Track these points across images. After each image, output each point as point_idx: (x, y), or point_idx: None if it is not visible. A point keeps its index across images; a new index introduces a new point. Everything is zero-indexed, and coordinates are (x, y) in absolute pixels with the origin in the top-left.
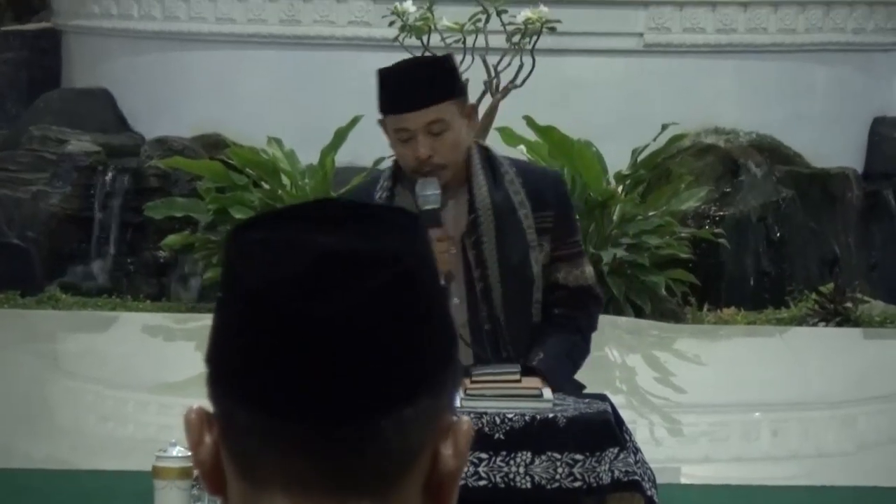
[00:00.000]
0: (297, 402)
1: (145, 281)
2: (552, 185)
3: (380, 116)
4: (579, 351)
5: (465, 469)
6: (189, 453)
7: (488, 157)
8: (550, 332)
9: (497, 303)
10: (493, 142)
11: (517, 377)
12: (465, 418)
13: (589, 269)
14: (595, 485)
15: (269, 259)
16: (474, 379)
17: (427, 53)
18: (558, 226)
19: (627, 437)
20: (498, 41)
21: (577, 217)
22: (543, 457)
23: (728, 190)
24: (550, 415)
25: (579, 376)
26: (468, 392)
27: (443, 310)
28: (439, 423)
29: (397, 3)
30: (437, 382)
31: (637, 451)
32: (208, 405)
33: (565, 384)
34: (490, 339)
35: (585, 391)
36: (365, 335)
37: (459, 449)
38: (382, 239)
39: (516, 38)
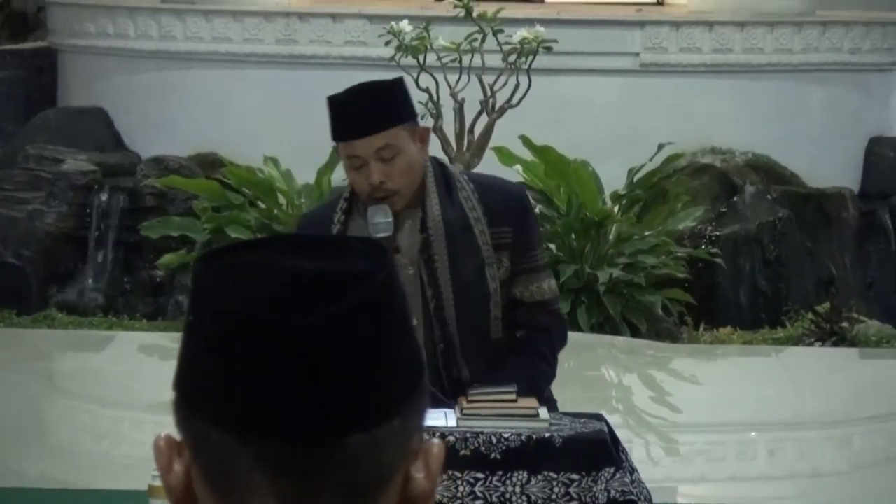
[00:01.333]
0: (271, 420)
1: (141, 300)
2: (511, 200)
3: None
4: (541, 375)
5: (462, 488)
6: None
7: (444, 175)
8: (511, 359)
9: (451, 321)
10: (489, 161)
11: (513, 397)
12: (437, 440)
13: (548, 284)
14: None
15: (242, 279)
16: (470, 399)
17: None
18: (517, 241)
19: (623, 457)
20: (494, 61)
21: (540, 232)
22: (539, 476)
23: (724, 209)
24: (546, 434)
25: (569, 395)
26: (464, 412)
27: (412, 333)
28: (411, 445)
29: (394, 23)
30: (408, 403)
31: (633, 470)
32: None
33: None
34: (444, 357)
35: (581, 411)
36: (339, 351)
37: (431, 471)
38: (352, 261)
39: (512, 58)
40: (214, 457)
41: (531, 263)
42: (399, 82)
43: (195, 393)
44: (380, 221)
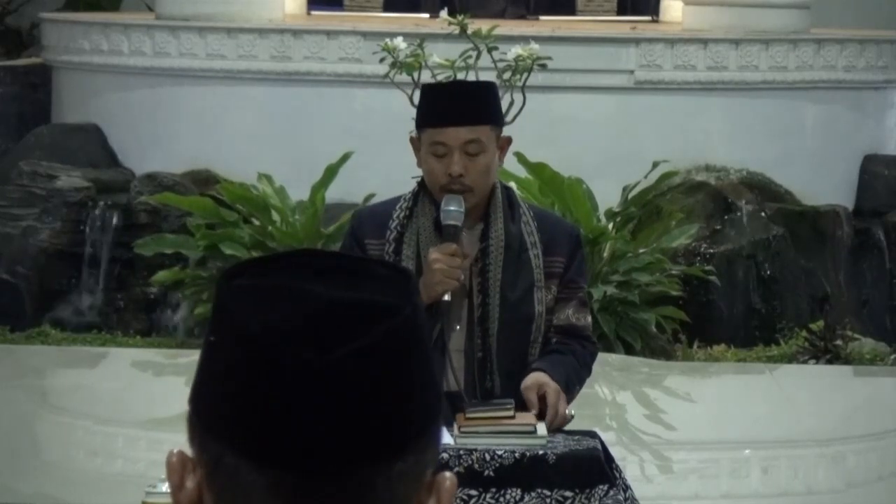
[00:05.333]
0: (288, 452)
1: (135, 317)
2: (566, 234)
3: (413, 134)
4: (574, 371)
5: None
6: None
7: (509, 197)
8: (546, 355)
9: (492, 331)
10: None
11: (511, 413)
12: (449, 474)
13: (585, 318)
14: None
15: (266, 306)
16: (468, 416)
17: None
18: (567, 272)
19: (617, 475)
20: (489, 78)
21: (586, 272)
22: (533, 493)
23: (718, 227)
24: (540, 451)
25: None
26: (462, 429)
27: (431, 366)
28: (424, 478)
29: (388, 40)
30: (424, 437)
31: (627, 488)
32: (189, 444)
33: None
34: (480, 366)
35: (575, 428)
36: (360, 386)
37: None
38: (378, 291)
39: (507, 75)
40: (229, 480)
41: (574, 294)
42: (495, 87)
43: (211, 414)
44: (452, 209)
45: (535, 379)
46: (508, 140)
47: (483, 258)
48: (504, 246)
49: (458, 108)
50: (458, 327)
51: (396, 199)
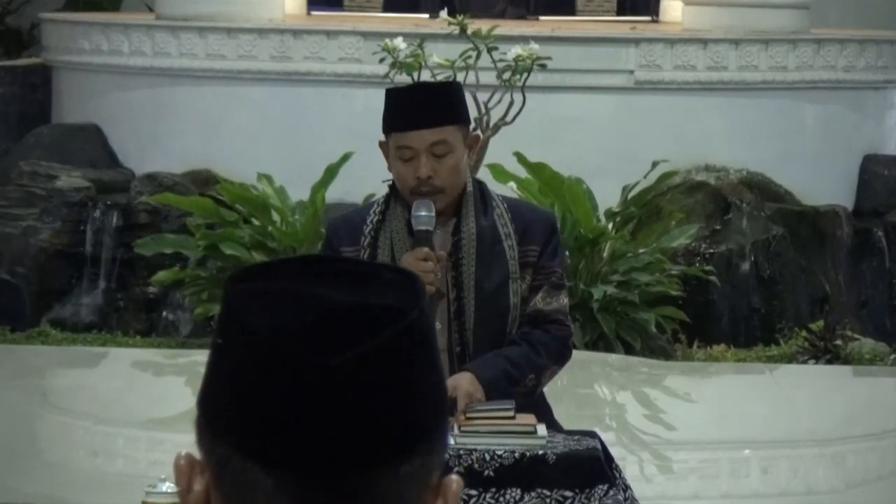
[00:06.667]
0: (296, 453)
1: (135, 316)
2: (541, 222)
3: (382, 138)
4: (525, 359)
5: None
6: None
7: (482, 191)
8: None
9: (468, 325)
10: (483, 178)
11: (511, 413)
12: (455, 476)
13: (559, 301)
14: None
15: (273, 309)
16: (468, 416)
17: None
18: (541, 259)
19: (617, 475)
20: (488, 78)
21: (564, 257)
22: (533, 493)
23: (718, 227)
24: (540, 451)
25: (572, 416)
26: (462, 429)
27: (438, 370)
28: (431, 481)
29: (388, 40)
30: (431, 440)
31: (627, 488)
32: (196, 447)
33: (494, 380)
34: (459, 361)
35: (575, 428)
36: (368, 389)
37: None
38: (385, 295)
39: (507, 75)
40: (236, 482)
41: (546, 279)
42: (459, 86)
43: (219, 417)
44: (423, 214)
45: (450, 383)
46: (476, 138)
47: (456, 252)
48: (476, 239)
49: (420, 110)
50: (439, 326)
51: (370, 205)
